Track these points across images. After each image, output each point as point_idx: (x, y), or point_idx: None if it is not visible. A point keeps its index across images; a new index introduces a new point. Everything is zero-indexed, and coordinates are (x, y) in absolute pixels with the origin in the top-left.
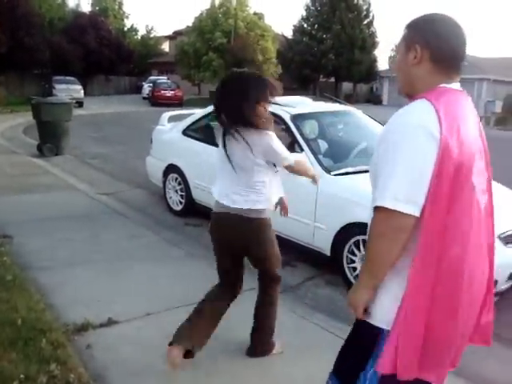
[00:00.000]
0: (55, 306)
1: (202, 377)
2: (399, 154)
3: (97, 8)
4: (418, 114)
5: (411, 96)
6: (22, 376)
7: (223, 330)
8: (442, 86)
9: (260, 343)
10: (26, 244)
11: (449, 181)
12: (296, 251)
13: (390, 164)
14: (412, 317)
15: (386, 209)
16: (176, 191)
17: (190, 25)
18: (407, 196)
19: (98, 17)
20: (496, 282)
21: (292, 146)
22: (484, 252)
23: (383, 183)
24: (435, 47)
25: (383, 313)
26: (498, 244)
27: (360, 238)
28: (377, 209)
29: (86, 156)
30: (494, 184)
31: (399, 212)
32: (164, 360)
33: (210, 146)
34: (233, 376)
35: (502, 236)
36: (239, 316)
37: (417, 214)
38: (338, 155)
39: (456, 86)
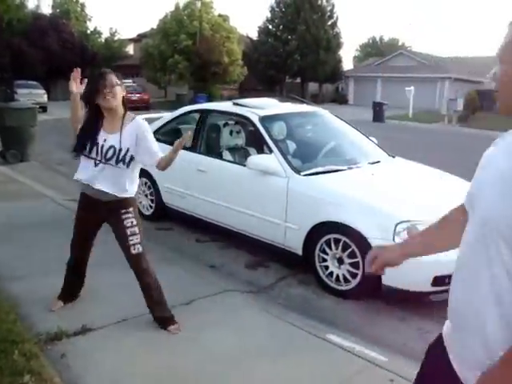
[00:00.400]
0: (28, 316)
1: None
2: None
3: (58, 10)
4: None
5: None
6: None
7: None
8: None
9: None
10: None
11: None
12: (268, 252)
13: None
14: None
15: None
16: (146, 195)
17: (155, 27)
18: None
19: (59, 19)
20: None
21: (261, 147)
22: None
23: None
24: None
25: None
26: None
27: (331, 236)
28: None
29: (53, 162)
30: (456, 178)
31: None
32: (140, 365)
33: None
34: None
35: None
36: None
37: None
38: (306, 155)
39: None
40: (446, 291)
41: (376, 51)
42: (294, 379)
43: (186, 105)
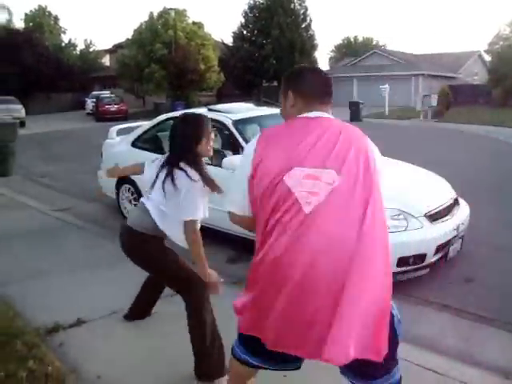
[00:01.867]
0: (24, 314)
1: None
2: None
3: (31, 24)
4: None
5: None
6: (1, 374)
7: None
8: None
9: (196, 367)
10: None
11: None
12: (247, 247)
13: None
14: None
15: None
16: (130, 201)
17: (130, 37)
18: None
19: (32, 33)
20: (425, 255)
21: (236, 149)
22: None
23: None
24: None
25: None
26: (424, 221)
27: None
28: None
29: (34, 175)
30: (421, 169)
31: None
32: (131, 348)
33: (159, 155)
34: None
35: (428, 214)
36: None
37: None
38: None
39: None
40: (410, 271)
41: (351, 51)
42: None
43: (164, 113)
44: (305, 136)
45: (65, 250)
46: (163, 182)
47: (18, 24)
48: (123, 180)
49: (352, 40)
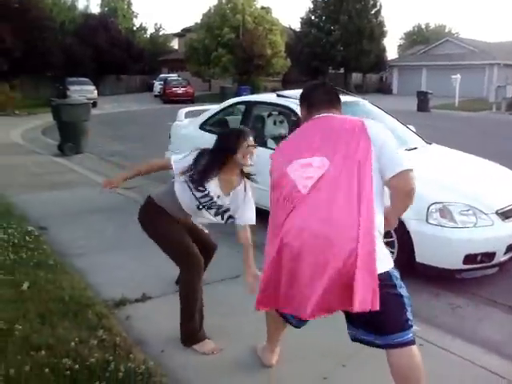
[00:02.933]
0: (93, 286)
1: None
2: None
3: (106, 9)
4: None
5: None
6: (76, 339)
7: None
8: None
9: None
10: (59, 234)
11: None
12: None
13: None
14: None
15: None
16: None
17: (199, 21)
18: None
19: (107, 17)
20: (494, 254)
21: None
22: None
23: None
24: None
25: None
26: (496, 218)
27: None
28: None
29: (105, 154)
30: (492, 164)
31: None
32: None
33: None
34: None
35: (500, 211)
36: None
37: None
38: None
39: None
40: (478, 269)
41: (421, 39)
42: (326, 343)
43: (230, 97)
44: (307, 133)
45: (132, 226)
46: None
47: (95, 9)
48: None
49: (423, 27)
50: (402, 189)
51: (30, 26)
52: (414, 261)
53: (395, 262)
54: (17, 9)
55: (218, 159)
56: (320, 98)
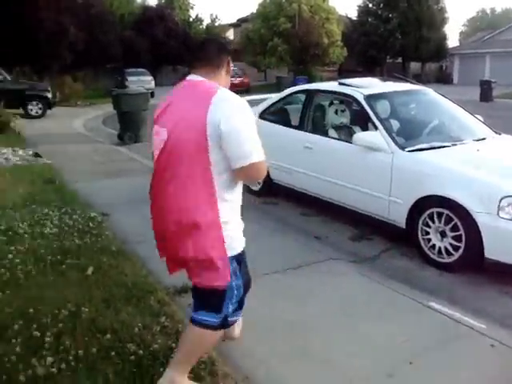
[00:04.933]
0: (155, 273)
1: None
2: None
3: (163, 1)
4: None
5: None
6: (140, 325)
7: None
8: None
9: None
10: (121, 221)
11: None
12: (371, 225)
13: None
14: None
15: None
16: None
17: (254, 11)
18: None
19: (164, 9)
20: None
21: (365, 125)
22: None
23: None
24: None
25: None
26: None
27: (435, 210)
28: None
29: None
30: None
31: None
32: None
33: (286, 128)
34: (323, 336)
35: None
36: None
37: None
38: (410, 133)
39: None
40: None
41: (486, 25)
42: (394, 337)
43: (286, 87)
44: (170, 98)
45: None
46: None
47: (152, 1)
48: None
49: (488, 12)
50: (246, 181)
51: (92, 21)
52: (482, 257)
53: (462, 257)
54: (80, 5)
55: None
56: (191, 56)
